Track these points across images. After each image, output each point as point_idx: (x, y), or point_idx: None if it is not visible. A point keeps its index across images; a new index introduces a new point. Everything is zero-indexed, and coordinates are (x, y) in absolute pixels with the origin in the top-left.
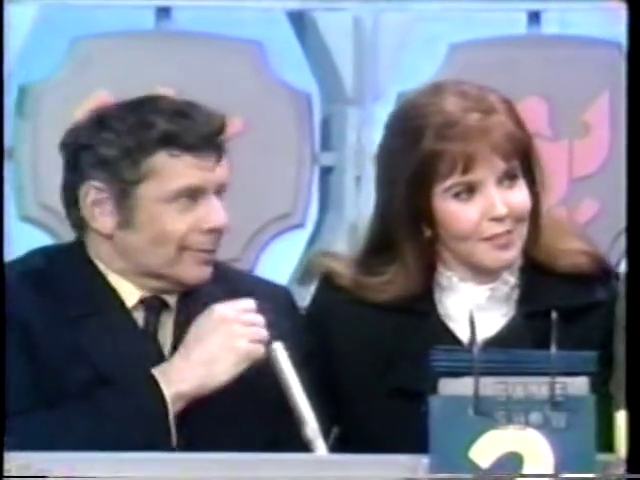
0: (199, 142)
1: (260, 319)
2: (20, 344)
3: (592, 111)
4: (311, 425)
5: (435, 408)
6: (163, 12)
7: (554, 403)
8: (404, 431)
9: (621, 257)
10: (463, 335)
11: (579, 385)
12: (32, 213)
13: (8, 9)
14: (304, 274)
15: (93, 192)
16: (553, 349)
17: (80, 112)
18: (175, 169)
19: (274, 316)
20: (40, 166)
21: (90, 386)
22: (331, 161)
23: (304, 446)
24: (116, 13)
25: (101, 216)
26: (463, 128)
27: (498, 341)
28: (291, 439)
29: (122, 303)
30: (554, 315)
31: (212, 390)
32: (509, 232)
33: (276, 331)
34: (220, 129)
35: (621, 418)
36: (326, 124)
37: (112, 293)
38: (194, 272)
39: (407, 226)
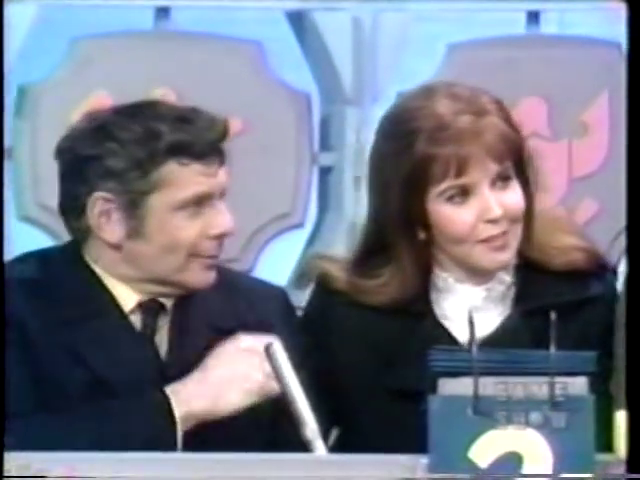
0: (205, 149)
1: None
2: (17, 347)
3: (592, 111)
4: (310, 426)
5: (434, 408)
6: (162, 12)
7: (554, 403)
8: (403, 432)
9: (621, 257)
10: (460, 335)
11: (579, 385)
12: (31, 213)
13: (8, 9)
14: (300, 277)
15: (100, 203)
16: (552, 349)
17: (78, 114)
18: (185, 178)
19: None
20: (39, 166)
21: (90, 389)
22: (330, 161)
23: (304, 446)
24: (115, 13)
25: (108, 226)
26: (455, 131)
27: (495, 340)
28: (289, 440)
29: (119, 307)
30: (553, 315)
31: (221, 416)
32: (504, 233)
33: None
34: (224, 134)
35: (621, 418)
36: (325, 124)
37: (109, 297)
38: (200, 277)
39: (402, 229)
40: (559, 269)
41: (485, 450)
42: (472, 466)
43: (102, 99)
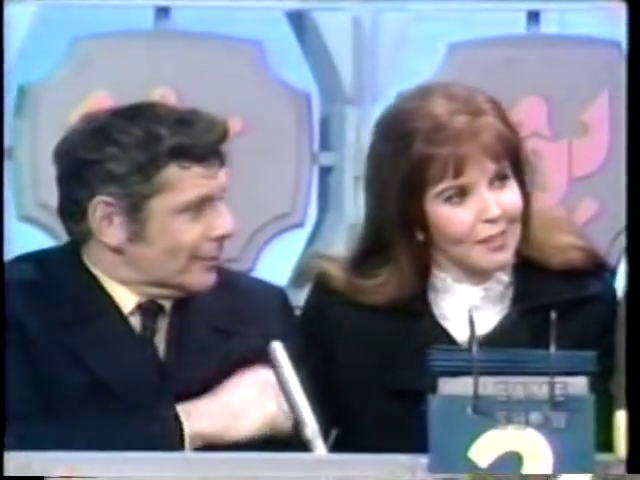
0: (206, 151)
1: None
2: (17, 348)
3: (592, 111)
4: (310, 425)
5: (434, 408)
6: (162, 12)
7: (554, 403)
8: (402, 431)
9: (621, 257)
10: (458, 335)
11: (579, 385)
12: (31, 213)
13: (8, 9)
14: (298, 276)
15: (102, 207)
16: (552, 349)
17: (78, 113)
18: (186, 181)
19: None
20: (39, 166)
21: (89, 391)
22: (330, 161)
23: (304, 446)
24: (115, 13)
25: (109, 230)
26: (452, 131)
27: (493, 339)
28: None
29: (119, 308)
30: (553, 315)
31: (230, 442)
32: (503, 233)
33: None
34: (224, 135)
35: (621, 418)
36: (325, 124)
37: (109, 298)
38: (201, 279)
39: (400, 230)
40: (557, 268)
41: (485, 450)
42: (472, 466)
43: (102, 99)
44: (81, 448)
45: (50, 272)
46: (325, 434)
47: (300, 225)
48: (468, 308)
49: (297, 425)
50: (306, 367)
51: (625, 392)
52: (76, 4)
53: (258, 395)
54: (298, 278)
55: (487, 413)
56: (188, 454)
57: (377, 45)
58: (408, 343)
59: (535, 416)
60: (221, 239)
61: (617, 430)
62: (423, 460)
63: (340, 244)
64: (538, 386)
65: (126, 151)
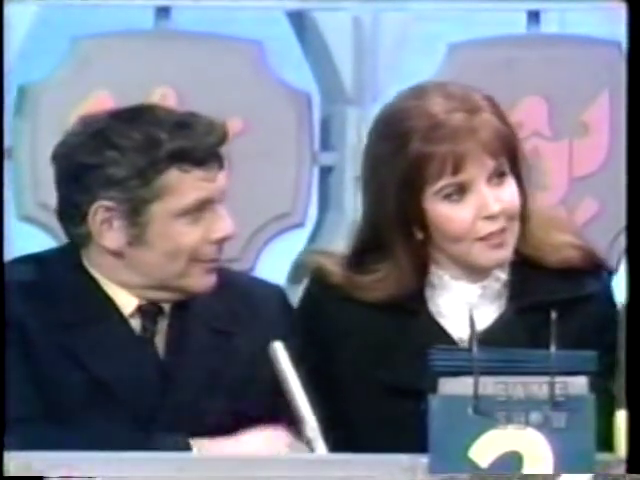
0: (205, 155)
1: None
2: (17, 349)
3: (592, 111)
4: (311, 425)
5: (435, 407)
6: (162, 12)
7: (554, 403)
8: (399, 428)
9: (621, 257)
10: (455, 332)
11: (579, 385)
12: (31, 213)
13: (8, 9)
14: (295, 271)
15: (102, 211)
16: (552, 349)
17: (77, 114)
18: (186, 185)
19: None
20: (39, 166)
21: (90, 393)
22: (331, 161)
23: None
24: (115, 13)
25: (110, 233)
26: (450, 129)
27: (490, 336)
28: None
29: (119, 310)
30: (553, 315)
31: None
32: (503, 230)
33: None
34: (223, 138)
35: (621, 418)
36: (326, 124)
37: (109, 301)
38: (201, 282)
39: (398, 229)
40: (554, 266)
41: (485, 450)
42: (472, 466)
43: (102, 99)
44: (81, 449)
45: (50, 274)
46: (325, 433)
47: (300, 225)
48: (468, 308)
49: (298, 424)
50: (305, 364)
51: (625, 392)
52: (76, 4)
53: (271, 444)
54: (295, 273)
55: (487, 413)
56: (188, 454)
57: (377, 45)
58: (404, 340)
59: (535, 416)
60: (221, 241)
61: (617, 430)
62: (423, 460)
63: (340, 244)
64: (538, 386)
65: (126, 155)
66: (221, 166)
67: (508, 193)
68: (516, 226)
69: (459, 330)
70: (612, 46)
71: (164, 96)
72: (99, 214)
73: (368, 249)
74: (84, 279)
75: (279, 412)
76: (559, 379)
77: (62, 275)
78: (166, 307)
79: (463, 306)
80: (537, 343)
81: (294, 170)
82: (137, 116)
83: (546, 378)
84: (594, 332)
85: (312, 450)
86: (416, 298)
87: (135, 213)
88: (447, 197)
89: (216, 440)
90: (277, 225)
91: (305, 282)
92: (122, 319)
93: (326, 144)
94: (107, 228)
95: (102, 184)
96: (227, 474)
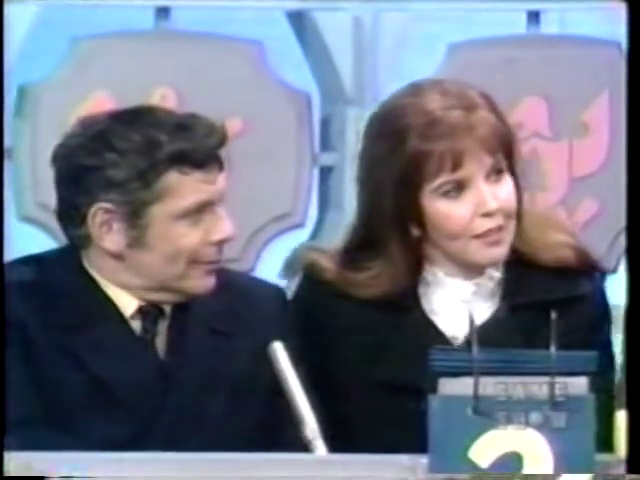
0: (205, 157)
1: None
2: (17, 350)
3: (592, 111)
4: (310, 425)
5: (435, 408)
6: (162, 12)
7: (554, 403)
8: (393, 424)
9: (621, 257)
10: (448, 330)
11: (579, 385)
12: (31, 213)
13: (8, 9)
14: (288, 266)
15: (101, 213)
16: (552, 349)
17: (77, 114)
18: (186, 187)
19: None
20: (39, 166)
21: (90, 394)
22: (331, 161)
23: (304, 446)
24: (115, 13)
25: (109, 236)
26: (447, 126)
27: (482, 334)
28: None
29: (119, 312)
30: (553, 315)
31: None
32: (500, 228)
33: None
34: (223, 140)
35: (621, 418)
36: (326, 124)
37: (109, 302)
38: (201, 283)
39: (395, 227)
40: (547, 265)
41: (485, 450)
42: (472, 466)
43: (102, 99)
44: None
45: (50, 275)
46: (325, 433)
47: (300, 225)
48: (467, 309)
49: (298, 424)
50: (296, 360)
51: (625, 392)
52: (76, 4)
53: None
54: (287, 269)
55: (487, 413)
56: (188, 454)
57: (377, 45)
58: (398, 337)
59: (535, 416)
60: (221, 243)
61: (617, 430)
62: (423, 460)
63: (340, 244)
64: (538, 386)
65: (126, 157)
66: (221, 168)
67: (505, 190)
68: (513, 224)
69: (452, 328)
70: (612, 46)
71: (164, 96)
72: (98, 216)
73: (362, 246)
74: (84, 280)
75: (279, 412)
76: (559, 379)
77: (62, 276)
78: (166, 308)
79: (457, 303)
80: (530, 341)
81: (294, 170)
82: (137, 118)
83: (546, 378)
84: (587, 332)
85: (312, 450)
86: (410, 295)
87: (135, 215)
88: (445, 194)
89: None
90: (277, 225)
91: (298, 278)
92: (122, 320)
93: (326, 144)
94: (107, 230)
95: (102, 186)
96: (227, 474)
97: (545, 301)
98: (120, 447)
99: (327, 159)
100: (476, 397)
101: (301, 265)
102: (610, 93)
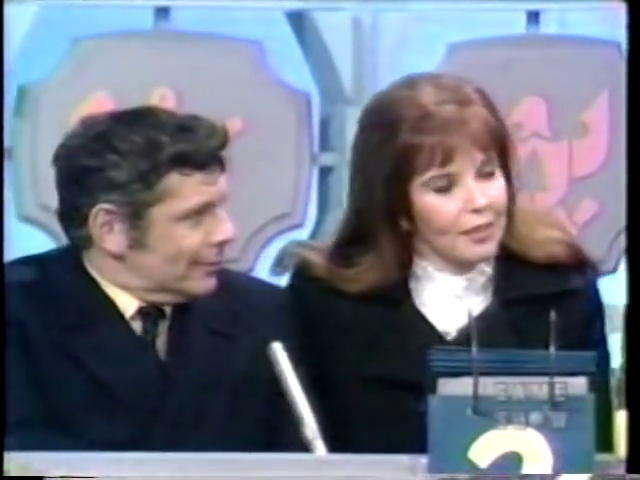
0: (207, 158)
1: None
2: (18, 351)
3: (591, 111)
4: (310, 425)
5: (434, 408)
6: (162, 12)
7: (554, 403)
8: (386, 419)
9: (621, 256)
10: (439, 323)
11: (579, 385)
12: (31, 213)
13: (8, 9)
14: (278, 263)
15: (103, 214)
16: (552, 349)
17: (78, 114)
18: (187, 188)
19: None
20: (39, 166)
21: (91, 395)
22: (330, 161)
23: (304, 446)
24: (115, 13)
25: (110, 237)
26: (440, 120)
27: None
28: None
29: (120, 313)
30: (552, 315)
31: None
32: (489, 225)
33: None
34: (225, 141)
35: (621, 418)
36: (325, 124)
37: (110, 303)
38: (202, 284)
39: (385, 219)
40: (539, 261)
41: (485, 450)
42: (472, 466)
43: (102, 99)
44: (81, 450)
45: (51, 275)
46: (324, 433)
47: (300, 225)
48: (467, 310)
49: (297, 424)
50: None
51: (625, 392)
52: (76, 4)
53: None
54: (277, 265)
55: (487, 413)
56: (188, 454)
57: (377, 45)
58: (388, 330)
59: (535, 416)
60: (221, 245)
61: (617, 430)
62: (423, 460)
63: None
64: (538, 386)
65: (127, 159)
66: (222, 169)
67: (496, 188)
68: (503, 221)
69: (444, 322)
70: (612, 46)
71: (163, 96)
72: (100, 217)
73: (353, 241)
74: (85, 281)
75: (279, 413)
76: (559, 379)
77: (63, 276)
78: (167, 309)
79: (448, 298)
80: (522, 336)
81: (294, 170)
82: (138, 119)
83: (546, 378)
84: (580, 326)
85: (312, 450)
86: (401, 289)
87: (136, 216)
88: (434, 189)
89: None
90: (277, 225)
91: (289, 275)
92: (123, 321)
93: (326, 144)
94: (108, 231)
95: (103, 187)
96: (227, 474)
97: (537, 295)
98: (120, 447)
99: (327, 159)
100: (476, 397)
101: (291, 262)
102: (610, 93)
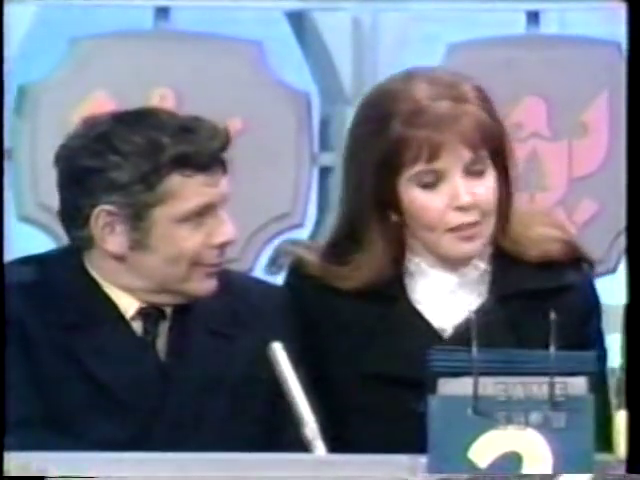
0: (208, 160)
1: None
2: (18, 351)
3: (591, 111)
4: (310, 425)
5: (434, 408)
6: (162, 12)
7: (554, 403)
8: (383, 418)
9: (621, 257)
10: (434, 319)
11: (579, 385)
12: (31, 213)
13: (8, 9)
14: (272, 262)
15: (104, 215)
16: (552, 349)
17: (78, 114)
18: (189, 189)
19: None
20: (39, 166)
21: (91, 395)
22: (330, 161)
23: (304, 446)
24: (115, 13)
25: (112, 238)
26: (432, 116)
27: (469, 324)
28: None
29: (120, 313)
30: (552, 315)
31: None
32: (476, 223)
33: None
34: (226, 143)
35: (621, 418)
36: (325, 124)
37: (110, 304)
38: (203, 286)
39: (375, 212)
40: (534, 260)
41: (485, 450)
42: (472, 466)
43: (102, 99)
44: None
45: (51, 275)
46: (324, 433)
47: (300, 225)
48: (467, 310)
49: (297, 424)
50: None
51: (625, 392)
52: (76, 4)
53: None
54: (272, 264)
55: (487, 413)
56: (188, 454)
57: (377, 45)
58: (383, 326)
59: (535, 416)
60: (222, 246)
61: (617, 430)
62: (422, 460)
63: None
64: (538, 386)
65: (129, 160)
66: (224, 171)
67: (484, 187)
68: (491, 221)
69: (439, 319)
70: (612, 46)
71: (163, 97)
72: (101, 218)
73: (346, 238)
74: (85, 281)
75: (279, 413)
76: (559, 379)
77: (63, 277)
78: (167, 310)
79: (442, 294)
80: (519, 332)
81: (294, 170)
82: (140, 120)
83: (546, 378)
84: (575, 323)
85: (312, 450)
86: (395, 286)
87: (137, 218)
88: (421, 184)
89: None
90: (277, 225)
91: (283, 274)
92: (123, 322)
93: (325, 145)
94: (109, 232)
95: (104, 188)
96: (227, 474)
97: (534, 291)
98: (120, 447)
99: (326, 159)
100: (476, 397)
101: (286, 261)
102: (609, 93)
